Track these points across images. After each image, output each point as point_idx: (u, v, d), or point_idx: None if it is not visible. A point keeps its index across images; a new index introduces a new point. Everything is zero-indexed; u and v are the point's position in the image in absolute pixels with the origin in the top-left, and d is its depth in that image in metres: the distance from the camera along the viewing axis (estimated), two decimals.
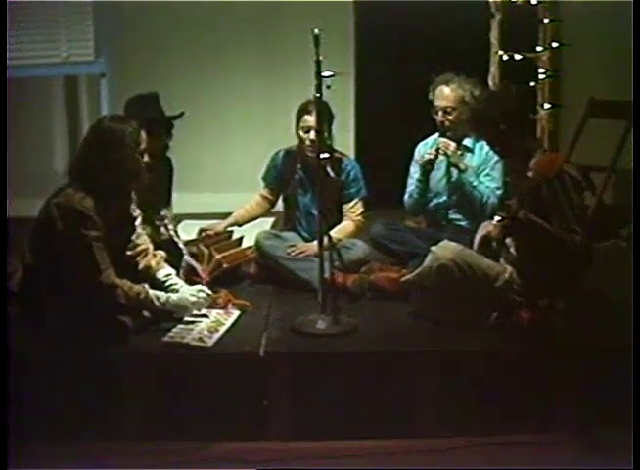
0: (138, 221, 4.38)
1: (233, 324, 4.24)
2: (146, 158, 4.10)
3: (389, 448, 3.81)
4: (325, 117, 4.63)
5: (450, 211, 5.10)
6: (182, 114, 4.76)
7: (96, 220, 3.95)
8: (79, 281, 3.94)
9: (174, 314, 4.16)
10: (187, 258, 4.66)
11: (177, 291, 4.24)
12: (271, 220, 5.80)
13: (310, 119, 4.85)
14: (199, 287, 4.28)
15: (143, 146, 4.07)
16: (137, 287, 4.05)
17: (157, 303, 4.08)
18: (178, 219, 5.44)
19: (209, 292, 4.28)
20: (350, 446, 3.84)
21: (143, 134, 4.08)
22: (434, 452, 3.77)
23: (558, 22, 6.01)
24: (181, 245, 4.72)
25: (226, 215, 5.30)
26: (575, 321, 4.11)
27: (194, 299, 4.18)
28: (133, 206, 4.34)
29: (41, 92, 7.12)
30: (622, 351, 3.74)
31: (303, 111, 4.95)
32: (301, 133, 4.99)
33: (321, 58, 4.03)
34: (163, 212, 4.86)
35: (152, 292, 4.09)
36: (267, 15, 6.83)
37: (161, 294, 4.12)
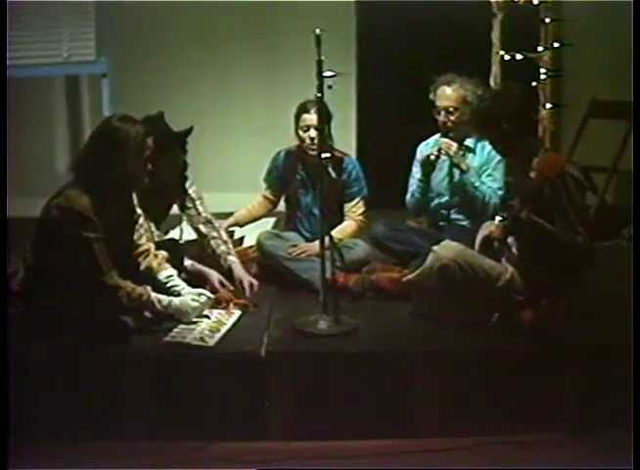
0: (140, 221, 4.38)
1: (234, 324, 4.24)
2: (150, 166, 4.07)
3: (390, 448, 3.80)
4: (324, 116, 4.63)
5: (452, 211, 5.10)
6: (191, 129, 4.72)
7: (96, 221, 3.94)
8: (81, 282, 3.93)
9: (175, 317, 4.16)
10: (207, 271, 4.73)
11: (179, 293, 4.23)
12: (272, 220, 5.80)
13: (309, 118, 4.87)
14: (200, 290, 4.28)
15: (148, 152, 4.05)
16: (139, 289, 4.04)
17: (158, 306, 4.07)
18: (179, 219, 5.44)
19: (210, 295, 4.28)
20: (351, 446, 3.83)
21: (150, 141, 4.06)
22: (435, 453, 3.77)
23: (559, 21, 6.01)
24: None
25: (227, 215, 5.30)
26: (577, 321, 4.11)
27: (195, 304, 4.16)
28: (134, 206, 4.34)
29: (43, 92, 7.12)
30: (624, 351, 3.73)
31: (302, 110, 4.96)
32: (301, 132, 5.00)
33: (322, 58, 4.03)
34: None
35: (154, 295, 4.08)
36: (268, 14, 6.83)
37: (163, 297, 4.11)
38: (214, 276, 4.71)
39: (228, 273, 4.83)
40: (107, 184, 4.01)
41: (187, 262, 4.76)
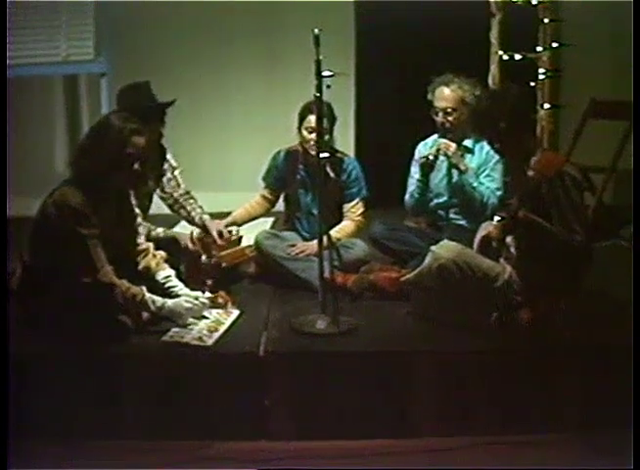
0: (138, 220, 4.38)
1: (233, 323, 4.24)
2: (137, 166, 4.02)
3: (390, 448, 3.80)
4: (328, 117, 4.64)
5: (450, 212, 5.10)
6: (174, 101, 4.77)
7: (91, 218, 3.94)
8: (76, 279, 3.93)
9: (170, 318, 4.14)
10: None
11: (176, 294, 4.22)
12: (271, 220, 5.80)
13: (315, 120, 4.86)
14: (196, 294, 4.26)
15: (132, 150, 3.99)
16: (134, 289, 4.03)
17: (152, 307, 4.06)
18: (177, 219, 5.44)
19: (205, 301, 4.24)
20: (351, 445, 3.84)
21: (139, 139, 4.01)
22: (435, 452, 3.77)
23: (558, 22, 6.01)
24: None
25: (225, 215, 5.30)
26: (576, 321, 4.11)
27: (188, 306, 4.14)
28: (132, 205, 4.33)
29: (42, 91, 7.12)
30: (623, 350, 3.73)
31: (308, 110, 4.91)
32: (305, 133, 4.99)
33: (321, 57, 4.03)
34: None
35: (148, 296, 4.06)
36: (268, 15, 6.83)
37: (158, 299, 4.09)
38: (185, 237, 4.82)
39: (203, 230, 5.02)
40: (98, 180, 4.00)
41: (159, 230, 4.90)
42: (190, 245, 4.77)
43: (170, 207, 5.13)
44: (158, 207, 5.16)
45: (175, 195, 5.06)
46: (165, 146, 5.01)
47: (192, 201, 5.10)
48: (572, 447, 3.78)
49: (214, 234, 4.94)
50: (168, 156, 5.03)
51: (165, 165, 5.02)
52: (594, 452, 3.71)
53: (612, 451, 3.59)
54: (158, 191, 5.08)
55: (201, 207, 5.10)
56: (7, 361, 3.65)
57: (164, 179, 5.03)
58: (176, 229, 5.48)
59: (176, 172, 5.05)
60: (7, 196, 5.00)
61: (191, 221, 5.10)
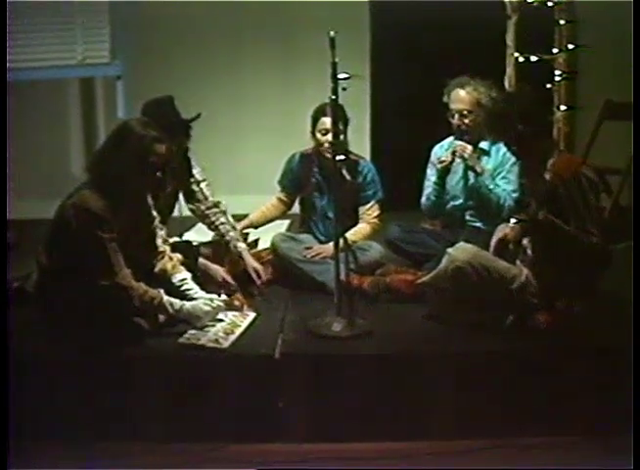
0: (155, 223, 4.38)
1: (249, 326, 4.24)
2: (159, 174, 4.03)
3: (405, 451, 3.80)
4: (341, 119, 4.62)
5: (467, 214, 5.09)
6: (199, 115, 4.74)
7: (111, 222, 3.95)
8: (94, 282, 3.93)
9: (187, 321, 4.14)
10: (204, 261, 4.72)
11: (192, 297, 4.23)
12: (287, 222, 5.80)
13: (328, 121, 4.85)
14: (213, 296, 4.27)
15: (154, 159, 3.99)
16: (152, 292, 4.03)
17: (170, 309, 4.07)
18: (193, 222, 5.44)
19: (221, 303, 4.25)
20: (366, 448, 3.83)
21: (160, 148, 4.01)
22: (448, 455, 3.77)
23: (574, 23, 5.98)
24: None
25: (241, 218, 5.30)
26: (592, 323, 4.10)
27: (207, 308, 4.15)
28: (150, 209, 4.33)
29: (57, 94, 7.13)
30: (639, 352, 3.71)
31: (321, 112, 4.94)
32: (319, 135, 4.99)
33: (337, 60, 4.02)
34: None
35: (166, 298, 4.07)
36: (283, 17, 6.83)
37: (176, 301, 4.10)
38: (219, 272, 4.73)
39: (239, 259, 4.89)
40: (116, 184, 4.01)
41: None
42: (229, 279, 4.70)
43: (201, 219, 5.07)
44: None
45: (202, 208, 4.99)
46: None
47: (223, 219, 4.97)
48: (587, 450, 3.75)
49: (251, 272, 4.84)
50: (195, 170, 5.01)
51: (191, 179, 5.00)
52: (608, 455, 3.68)
53: (627, 454, 3.56)
54: (188, 205, 5.06)
55: (234, 227, 5.00)
56: (7, 361, 3.65)
57: (192, 194, 5.03)
58: (191, 233, 5.49)
59: (202, 185, 4.99)
60: (7, 197, 5.02)
61: (225, 244, 4.97)
